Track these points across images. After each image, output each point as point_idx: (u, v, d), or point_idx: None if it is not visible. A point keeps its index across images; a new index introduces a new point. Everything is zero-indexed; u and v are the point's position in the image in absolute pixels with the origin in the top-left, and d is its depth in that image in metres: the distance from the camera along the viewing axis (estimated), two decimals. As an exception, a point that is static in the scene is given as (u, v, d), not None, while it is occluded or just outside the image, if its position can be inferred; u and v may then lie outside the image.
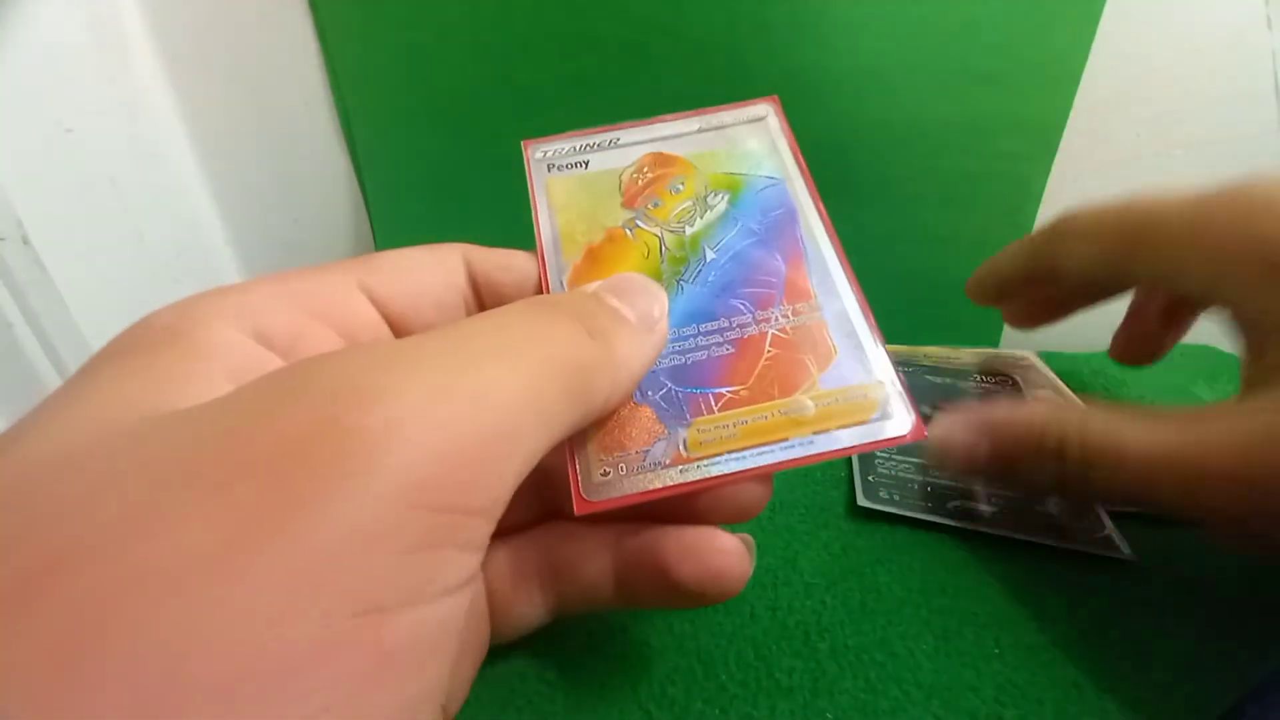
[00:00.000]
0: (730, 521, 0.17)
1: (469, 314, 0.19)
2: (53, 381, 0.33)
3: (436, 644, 0.11)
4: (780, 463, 0.17)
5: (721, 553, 0.16)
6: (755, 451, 0.17)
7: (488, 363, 0.13)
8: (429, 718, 0.12)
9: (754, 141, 0.22)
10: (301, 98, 0.40)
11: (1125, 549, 0.22)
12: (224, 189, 0.42)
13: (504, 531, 0.18)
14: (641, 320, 0.17)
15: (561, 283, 0.20)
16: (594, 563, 0.17)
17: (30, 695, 0.09)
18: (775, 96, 0.23)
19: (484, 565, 0.18)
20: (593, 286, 0.17)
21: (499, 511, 0.12)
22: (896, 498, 0.25)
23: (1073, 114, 0.35)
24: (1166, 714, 0.18)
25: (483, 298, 0.19)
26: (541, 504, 0.19)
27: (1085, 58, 0.34)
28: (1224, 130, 0.37)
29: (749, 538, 0.17)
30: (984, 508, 0.24)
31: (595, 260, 0.20)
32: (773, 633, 0.21)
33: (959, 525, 0.24)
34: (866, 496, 0.25)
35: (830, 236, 0.20)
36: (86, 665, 0.09)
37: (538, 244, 0.20)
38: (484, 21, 0.35)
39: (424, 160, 0.39)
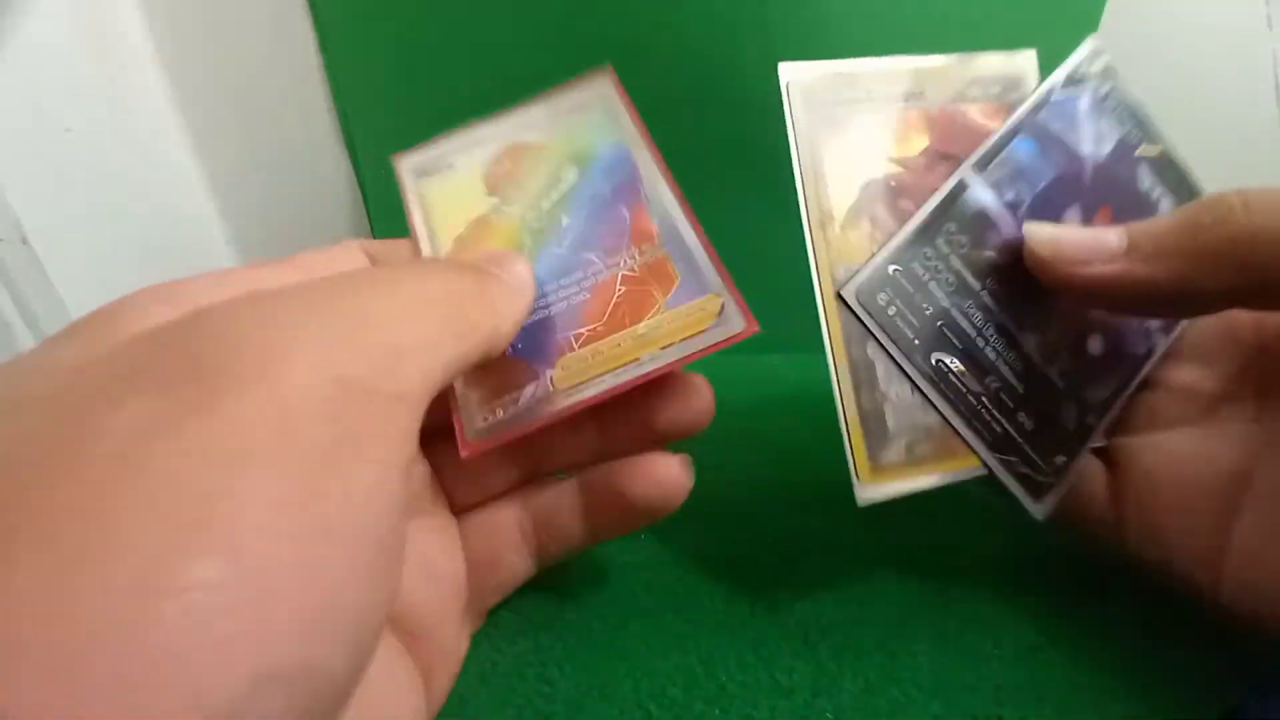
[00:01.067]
0: (654, 497, 0.19)
1: None
2: (52, 381, 0.33)
3: (380, 506, 0.12)
4: (636, 378, 0.19)
5: (665, 465, 0.19)
6: (614, 374, 0.19)
7: (383, 295, 0.15)
8: (383, 571, 0.13)
9: (596, 113, 0.24)
10: (301, 98, 0.40)
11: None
12: (223, 189, 0.42)
13: (487, 498, 0.21)
14: (512, 279, 0.19)
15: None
16: (565, 509, 0.20)
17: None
18: (609, 66, 0.24)
19: (471, 528, 0.20)
20: (467, 258, 0.19)
21: (415, 403, 0.14)
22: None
23: (1072, 114, 0.35)
24: (1167, 714, 0.18)
25: None
26: (520, 472, 0.21)
27: (1085, 58, 0.34)
28: (1224, 130, 0.37)
29: (686, 456, 0.20)
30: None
31: (464, 245, 0.22)
32: (773, 633, 0.21)
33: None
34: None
35: (670, 184, 0.22)
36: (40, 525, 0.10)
37: (414, 244, 0.22)
38: (483, 22, 0.34)
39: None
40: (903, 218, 0.20)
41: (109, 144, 0.36)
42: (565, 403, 0.19)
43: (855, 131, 0.20)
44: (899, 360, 0.19)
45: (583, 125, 0.24)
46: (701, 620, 0.21)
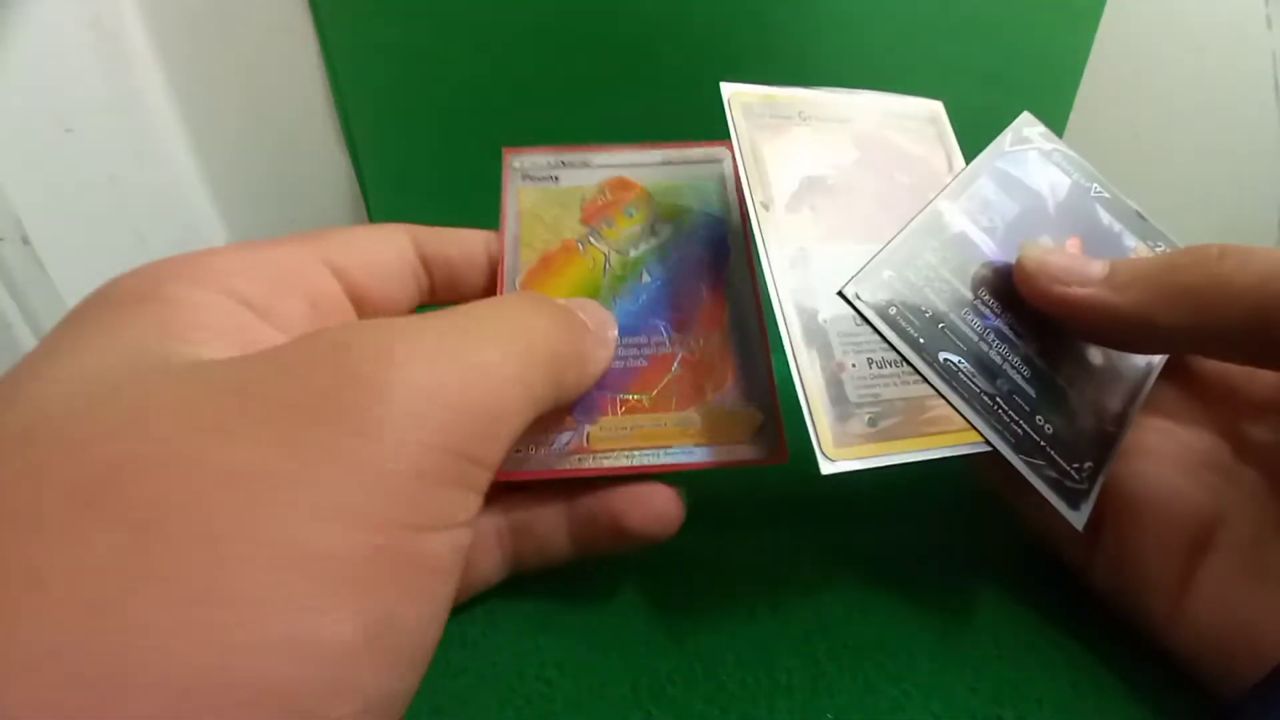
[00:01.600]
0: (652, 529, 0.19)
1: (419, 287, 0.21)
2: (52, 381, 0.33)
3: (455, 564, 0.13)
4: (661, 465, 0.20)
5: (663, 498, 0.20)
6: (644, 453, 0.20)
7: (490, 340, 0.15)
8: (438, 629, 0.13)
9: (707, 181, 0.24)
10: (302, 98, 0.40)
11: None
12: (224, 188, 0.42)
13: None
14: (598, 332, 0.19)
15: (515, 283, 0.22)
16: (546, 522, 0.20)
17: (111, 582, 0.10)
18: (730, 142, 0.24)
19: None
20: (562, 302, 0.19)
21: (496, 465, 0.14)
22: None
23: (1072, 114, 0.35)
24: (1167, 714, 0.18)
25: (432, 271, 0.22)
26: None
27: (1086, 58, 0.34)
28: (1224, 131, 0.37)
29: (680, 488, 0.20)
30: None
31: (548, 266, 0.22)
32: (773, 632, 0.21)
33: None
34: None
35: (754, 282, 0.22)
36: (158, 553, 0.10)
37: (500, 243, 0.23)
38: (484, 22, 0.34)
39: (424, 160, 0.39)
40: (844, 210, 0.21)
41: (110, 144, 0.36)
42: (593, 464, 0.20)
43: (791, 138, 0.22)
44: (908, 357, 0.19)
45: (691, 187, 0.24)
46: (701, 620, 0.21)
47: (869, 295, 0.20)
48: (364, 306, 0.19)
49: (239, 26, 0.38)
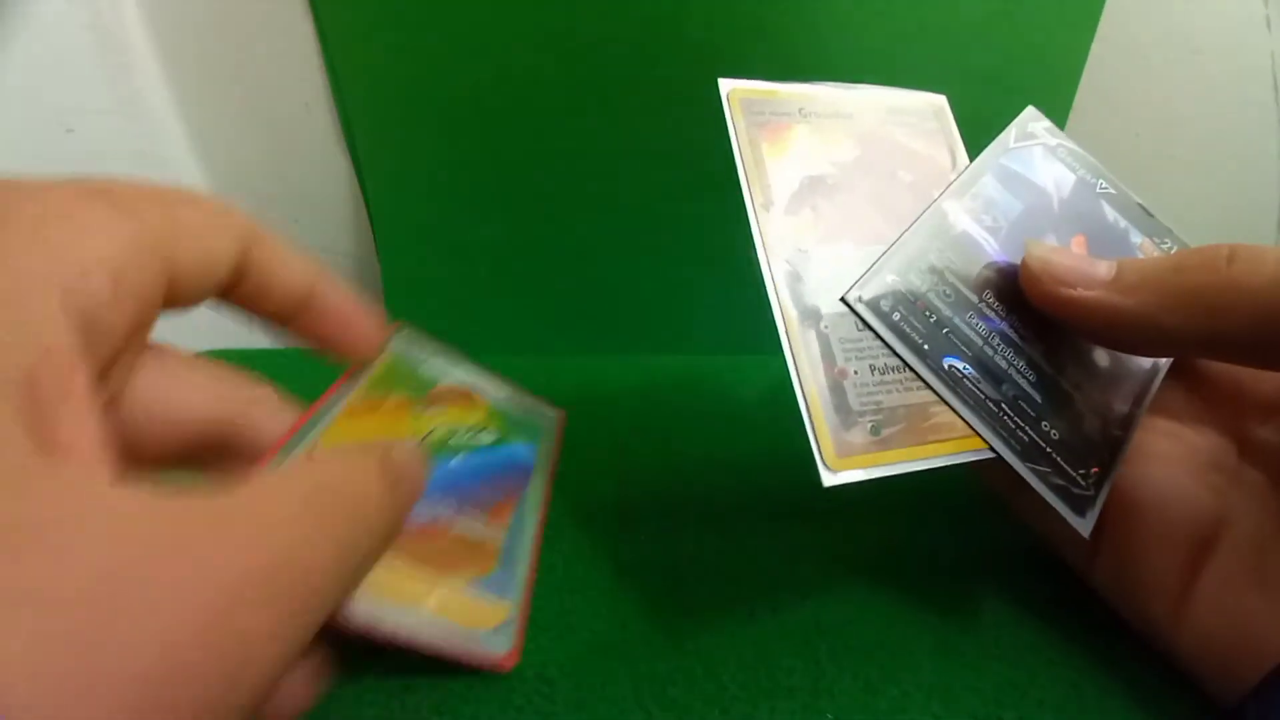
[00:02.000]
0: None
1: (217, 287, 0.17)
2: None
3: None
4: (383, 628, 0.18)
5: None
6: (381, 607, 0.18)
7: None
8: None
9: (536, 426, 0.28)
10: (302, 98, 0.40)
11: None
12: (224, 189, 0.42)
13: None
14: (416, 487, 0.17)
15: (332, 415, 0.21)
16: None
17: None
18: (564, 411, 0.29)
19: None
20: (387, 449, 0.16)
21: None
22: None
23: (1071, 115, 0.35)
24: (1166, 714, 0.18)
25: (244, 279, 0.17)
26: None
27: (1084, 59, 0.34)
28: (1223, 131, 0.37)
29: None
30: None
31: (374, 409, 0.23)
32: (773, 633, 0.21)
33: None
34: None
35: (543, 511, 0.24)
36: None
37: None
38: (485, 22, 0.34)
39: (425, 160, 0.39)
40: (844, 210, 0.21)
41: (110, 145, 0.36)
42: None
43: (791, 136, 0.22)
44: (911, 363, 0.19)
45: (523, 423, 0.28)
46: (701, 620, 0.21)
47: (872, 300, 0.20)
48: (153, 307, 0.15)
49: (239, 27, 0.38)
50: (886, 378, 0.19)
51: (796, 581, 0.23)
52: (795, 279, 0.20)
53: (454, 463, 0.24)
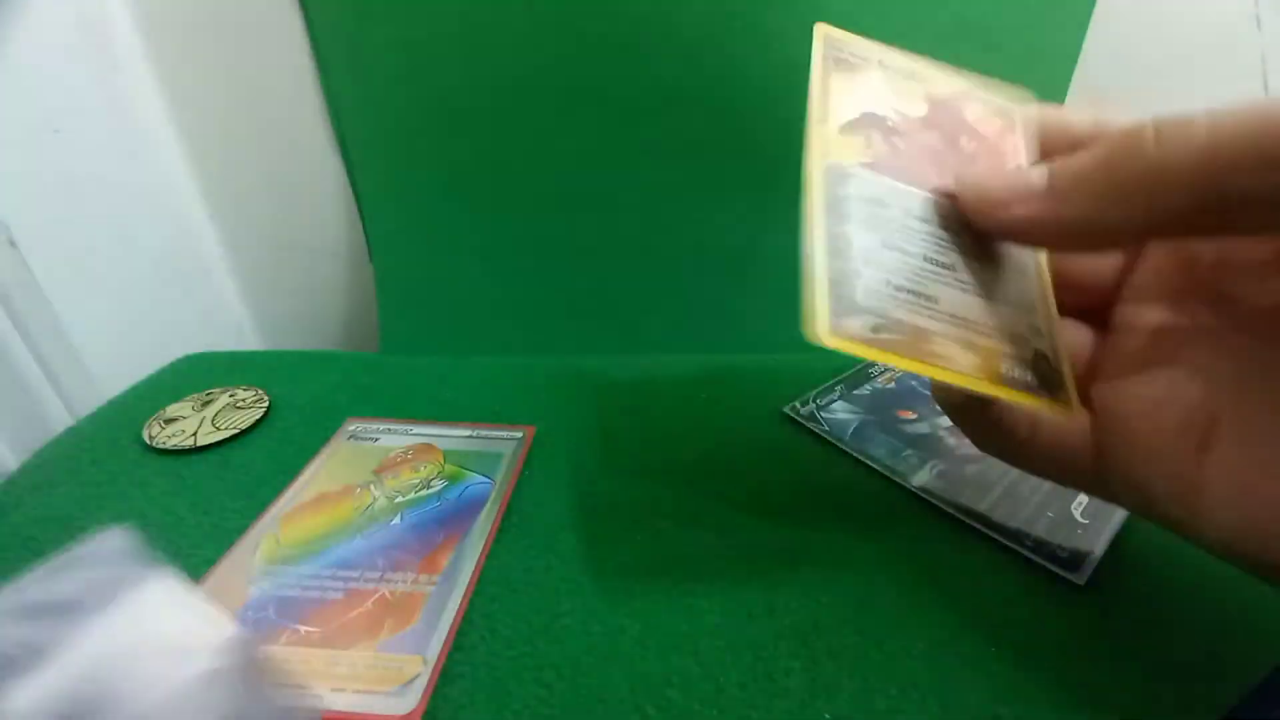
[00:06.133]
0: None
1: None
2: (40, 386, 0.33)
3: None
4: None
5: None
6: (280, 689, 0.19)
7: None
8: None
9: (499, 450, 0.29)
10: (292, 96, 0.39)
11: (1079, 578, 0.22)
12: (214, 188, 0.42)
13: None
14: None
15: (278, 516, 0.25)
16: None
17: None
18: (534, 427, 0.30)
19: None
20: None
21: None
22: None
23: (1064, 114, 0.35)
24: (1165, 714, 0.18)
25: None
26: None
27: (1075, 58, 0.34)
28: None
29: None
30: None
31: (319, 502, 0.26)
32: (771, 633, 0.21)
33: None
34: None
35: (489, 542, 0.24)
36: None
37: None
38: (475, 20, 0.34)
39: (415, 158, 0.38)
40: (896, 150, 0.21)
41: (98, 145, 0.36)
42: None
43: (863, 77, 0.23)
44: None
45: (479, 456, 0.29)
46: (699, 622, 0.21)
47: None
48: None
49: (230, 28, 0.38)
50: (900, 295, 0.19)
51: (795, 581, 0.22)
52: (830, 188, 0.20)
53: (395, 523, 0.25)
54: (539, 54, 0.35)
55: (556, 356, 0.37)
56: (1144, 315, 0.21)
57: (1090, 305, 0.22)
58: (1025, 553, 0.23)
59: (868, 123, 0.21)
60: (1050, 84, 0.35)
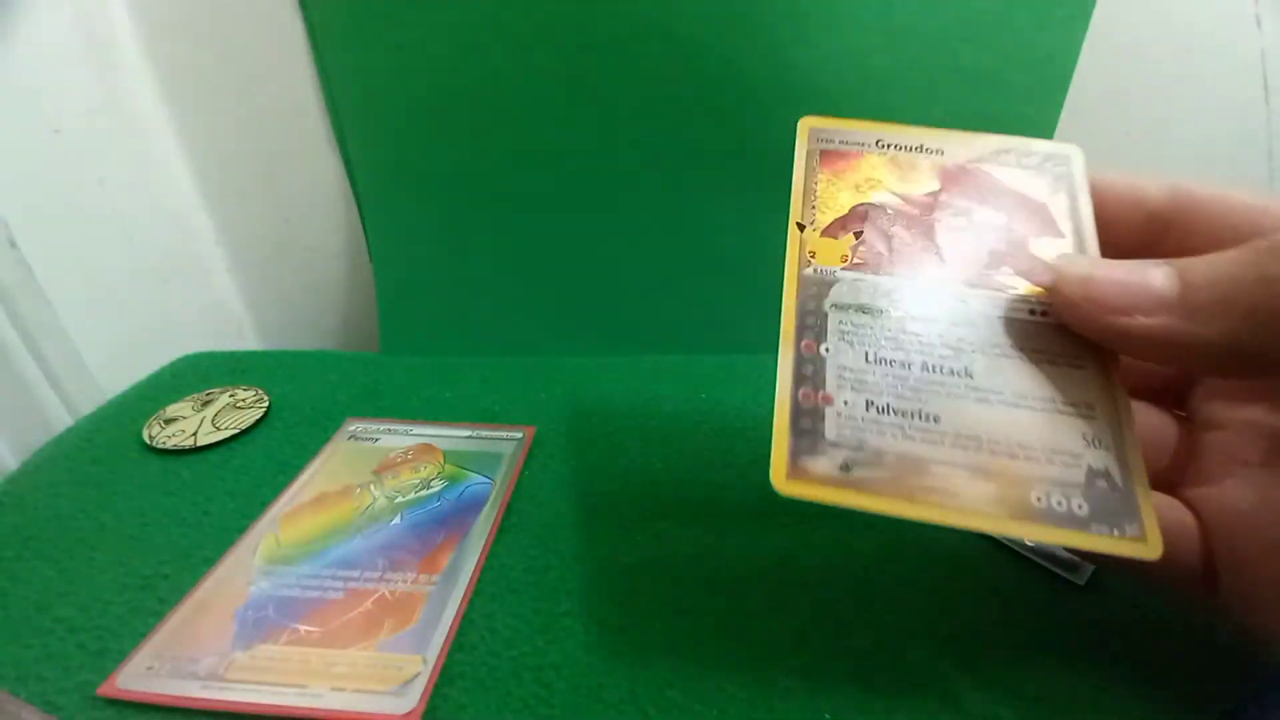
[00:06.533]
0: None
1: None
2: (40, 386, 0.33)
3: None
4: (288, 707, 0.19)
5: None
6: (278, 689, 0.19)
7: None
8: None
9: (497, 455, 0.29)
10: (292, 97, 0.39)
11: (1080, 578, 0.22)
12: (213, 189, 0.42)
13: None
14: None
15: (277, 517, 0.26)
16: None
17: None
18: (534, 427, 0.30)
19: None
20: None
21: None
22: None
23: (1063, 115, 0.35)
24: (1165, 714, 0.18)
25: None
26: None
27: (1076, 59, 0.34)
28: (1214, 131, 0.37)
29: None
30: None
31: (319, 503, 0.26)
32: (771, 633, 0.21)
33: None
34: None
35: (488, 543, 0.24)
36: None
37: None
38: (475, 21, 0.34)
39: (414, 158, 0.38)
40: (889, 243, 0.19)
41: (98, 145, 0.36)
42: (222, 696, 0.19)
43: (857, 163, 0.21)
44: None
45: (478, 456, 0.29)
46: (700, 622, 0.21)
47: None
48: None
49: (230, 27, 0.38)
50: (885, 418, 0.17)
51: (795, 582, 0.22)
52: (810, 298, 0.18)
53: (395, 523, 0.25)
54: (539, 54, 0.35)
55: (556, 356, 0.37)
56: (1244, 411, 0.18)
57: (1157, 385, 0.19)
58: (1025, 553, 0.23)
59: (857, 218, 0.20)
60: (1050, 83, 0.35)
